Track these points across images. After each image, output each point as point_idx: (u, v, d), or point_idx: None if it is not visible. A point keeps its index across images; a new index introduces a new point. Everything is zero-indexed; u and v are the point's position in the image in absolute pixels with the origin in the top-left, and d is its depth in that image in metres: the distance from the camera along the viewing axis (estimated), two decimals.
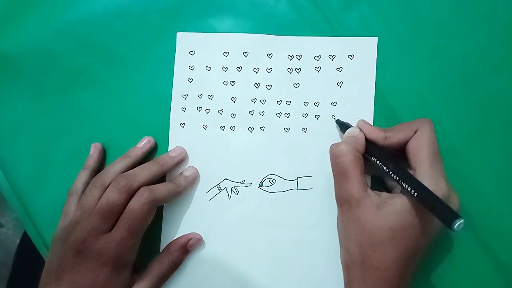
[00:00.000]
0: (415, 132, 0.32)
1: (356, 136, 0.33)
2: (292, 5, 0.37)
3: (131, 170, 0.35)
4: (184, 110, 0.38)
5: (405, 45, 0.37)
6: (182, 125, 0.38)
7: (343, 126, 0.36)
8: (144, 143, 0.38)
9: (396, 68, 0.37)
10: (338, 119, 0.37)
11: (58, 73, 0.39)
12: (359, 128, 0.34)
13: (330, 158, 0.33)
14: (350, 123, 0.36)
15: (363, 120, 0.35)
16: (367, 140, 0.33)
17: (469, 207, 0.36)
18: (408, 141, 0.32)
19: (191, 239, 0.37)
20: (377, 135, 0.33)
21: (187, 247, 0.37)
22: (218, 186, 0.38)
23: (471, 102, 0.36)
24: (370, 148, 0.33)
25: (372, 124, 0.35)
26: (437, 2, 0.37)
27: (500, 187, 0.36)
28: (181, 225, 0.38)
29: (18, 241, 0.61)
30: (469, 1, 0.36)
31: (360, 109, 0.37)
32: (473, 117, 0.36)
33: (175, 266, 0.36)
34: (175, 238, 0.37)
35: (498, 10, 0.36)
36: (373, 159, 0.32)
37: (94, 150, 0.38)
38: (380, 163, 0.32)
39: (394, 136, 0.32)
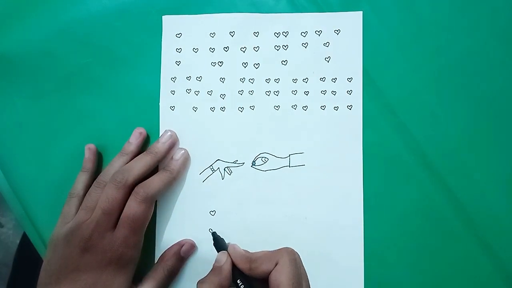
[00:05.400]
0: (276, 264, 0.31)
1: (222, 267, 0.33)
2: (292, 4, 0.37)
3: (126, 165, 0.35)
4: (173, 93, 0.38)
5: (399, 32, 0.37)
6: (172, 108, 0.38)
7: (217, 245, 0.35)
8: (137, 137, 0.37)
9: (383, 50, 0.37)
10: (215, 232, 0.36)
11: (58, 73, 0.39)
12: (228, 254, 0.33)
13: None
14: (225, 240, 0.36)
15: (234, 245, 0.35)
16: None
17: (469, 207, 0.36)
18: (270, 273, 0.31)
19: (183, 245, 0.37)
20: (242, 266, 0.33)
21: (180, 254, 0.36)
22: (211, 167, 0.38)
23: (471, 101, 0.37)
24: (238, 276, 0.33)
25: (242, 250, 0.35)
26: (437, 2, 0.37)
27: (500, 187, 0.36)
28: (175, 207, 0.38)
29: (18, 241, 0.61)
30: (469, 1, 0.37)
31: (349, 83, 0.37)
32: (473, 117, 0.37)
33: (171, 274, 0.36)
34: (170, 221, 0.38)
35: (498, 10, 0.36)
36: (240, 285, 0.32)
37: (89, 153, 0.38)
38: None
39: (257, 268, 0.32)
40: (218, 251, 0.35)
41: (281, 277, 0.30)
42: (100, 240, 0.33)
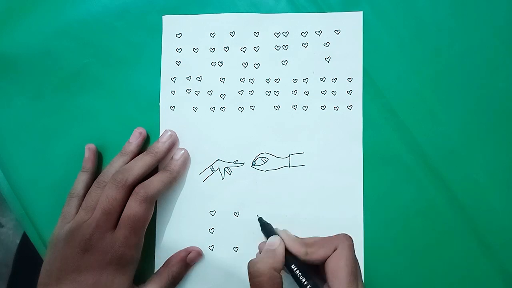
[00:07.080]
0: (335, 250, 0.30)
1: (275, 250, 0.31)
2: (292, 4, 0.37)
3: (126, 165, 0.35)
4: (173, 93, 0.38)
5: (401, 36, 0.37)
6: (172, 108, 0.38)
7: (265, 230, 0.35)
8: (137, 137, 0.37)
9: (383, 50, 0.37)
10: (261, 218, 0.36)
11: (58, 73, 0.39)
12: (281, 238, 0.32)
13: (248, 275, 0.31)
14: (272, 226, 0.35)
15: (286, 231, 0.33)
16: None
17: (469, 207, 0.36)
18: (327, 258, 0.30)
19: (190, 252, 0.37)
20: (298, 250, 0.31)
21: (187, 261, 0.36)
22: (211, 167, 0.38)
23: (471, 101, 0.37)
24: (292, 261, 0.31)
25: (294, 236, 0.33)
26: (437, 2, 0.37)
27: (500, 187, 0.36)
28: (175, 207, 0.38)
29: (18, 241, 0.61)
30: (469, 1, 0.37)
31: (349, 83, 0.37)
32: (473, 116, 0.37)
33: (175, 280, 0.36)
34: (170, 221, 0.37)
35: (498, 10, 0.37)
36: (294, 270, 0.31)
37: (88, 153, 0.38)
38: (300, 277, 0.31)
39: (315, 253, 0.31)
40: (266, 237, 0.34)
41: (340, 262, 0.30)
42: (100, 240, 0.33)
